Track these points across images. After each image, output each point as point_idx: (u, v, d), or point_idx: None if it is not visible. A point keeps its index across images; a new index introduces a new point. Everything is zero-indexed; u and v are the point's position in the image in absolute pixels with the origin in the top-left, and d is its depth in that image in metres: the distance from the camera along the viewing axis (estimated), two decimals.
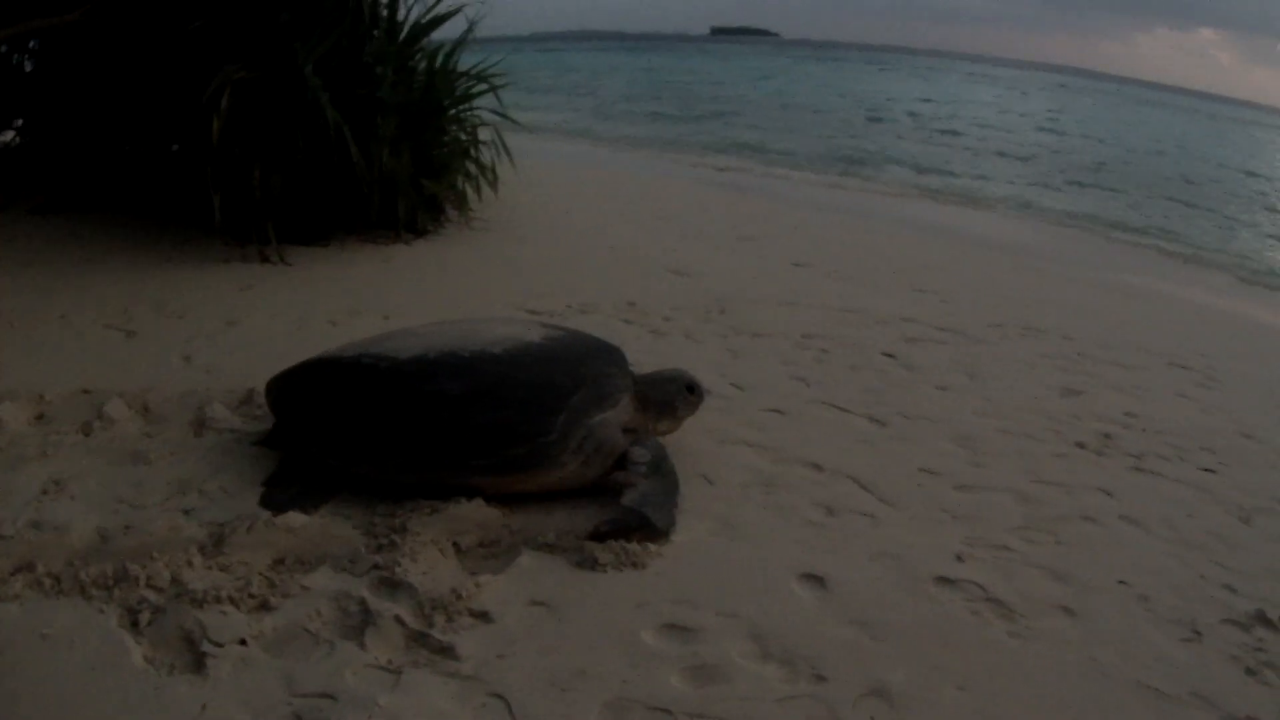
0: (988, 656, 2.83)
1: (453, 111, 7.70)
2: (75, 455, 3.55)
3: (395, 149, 6.81)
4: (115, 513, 3.18)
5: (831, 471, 3.93)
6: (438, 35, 7.63)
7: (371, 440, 3.37)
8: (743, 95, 35.44)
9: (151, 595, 2.74)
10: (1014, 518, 3.72)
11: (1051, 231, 13.30)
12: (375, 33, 7.09)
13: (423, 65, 7.49)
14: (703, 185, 13.14)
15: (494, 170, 8.13)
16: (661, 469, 3.45)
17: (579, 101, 29.41)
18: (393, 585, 2.85)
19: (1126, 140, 32.86)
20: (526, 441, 3.32)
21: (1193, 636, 3.08)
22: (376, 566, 2.93)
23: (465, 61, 7.88)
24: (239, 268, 6.14)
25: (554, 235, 8.07)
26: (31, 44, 7.37)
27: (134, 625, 2.63)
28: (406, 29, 7.39)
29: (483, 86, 7.97)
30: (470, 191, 7.92)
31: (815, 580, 3.12)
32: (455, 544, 3.11)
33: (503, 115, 8.16)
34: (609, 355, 3.78)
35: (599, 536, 3.13)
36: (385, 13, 7.23)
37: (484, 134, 8.07)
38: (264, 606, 2.74)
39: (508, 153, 8.20)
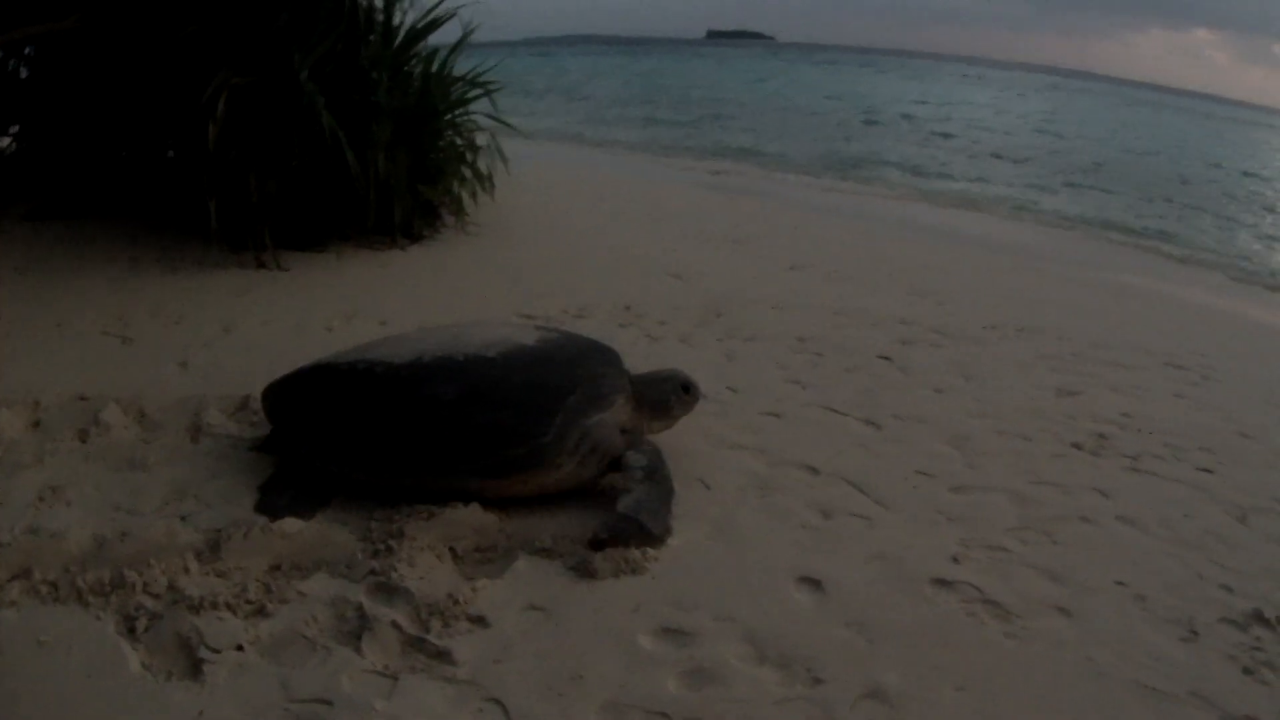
0: (985, 657, 2.83)
1: (448, 116, 7.69)
2: (72, 461, 3.55)
3: (391, 154, 6.80)
4: (112, 519, 3.18)
5: (827, 474, 3.93)
6: (433, 40, 7.64)
7: (368, 445, 3.38)
8: (738, 98, 35.42)
9: (148, 601, 2.74)
10: (1010, 519, 3.72)
11: (1047, 232, 13.30)
12: (371, 38, 7.10)
13: (418, 70, 7.49)
14: (698, 189, 13.13)
15: (490, 175, 8.13)
16: (657, 474, 3.46)
17: (574, 105, 29.39)
18: (389, 590, 2.85)
19: (1122, 141, 32.89)
20: (523, 443, 3.33)
21: (1190, 636, 3.08)
22: (373, 572, 2.93)
23: (460, 66, 7.89)
24: (235, 273, 6.14)
25: (550, 240, 8.07)
26: (27, 50, 7.36)
27: (131, 631, 2.64)
28: (402, 34, 7.39)
29: (478, 91, 7.97)
30: (466, 196, 7.91)
31: (812, 583, 3.13)
32: (452, 549, 3.12)
33: (498, 120, 8.17)
34: (604, 356, 3.78)
35: (597, 545, 3.12)
36: (381, 18, 7.23)
37: (480, 139, 8.07)
38: (261, 612, 2.75)
39: (503, 157, 8.20)
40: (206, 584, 2.83)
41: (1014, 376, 5.51)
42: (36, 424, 3.83)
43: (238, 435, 3.83)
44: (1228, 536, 3.80)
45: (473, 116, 8.05)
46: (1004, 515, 3.75)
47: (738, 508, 3.58)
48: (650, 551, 3.15)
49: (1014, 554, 3.45)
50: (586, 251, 7.75)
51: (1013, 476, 4.11)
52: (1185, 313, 8.50)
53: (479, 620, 2.77)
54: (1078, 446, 4.56)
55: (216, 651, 2.56)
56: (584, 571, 3.04)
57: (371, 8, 7.14)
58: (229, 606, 2.74)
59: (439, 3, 7.52)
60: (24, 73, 7.50)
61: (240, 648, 2.59)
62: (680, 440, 3.90)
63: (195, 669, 2.52)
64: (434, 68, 7.54)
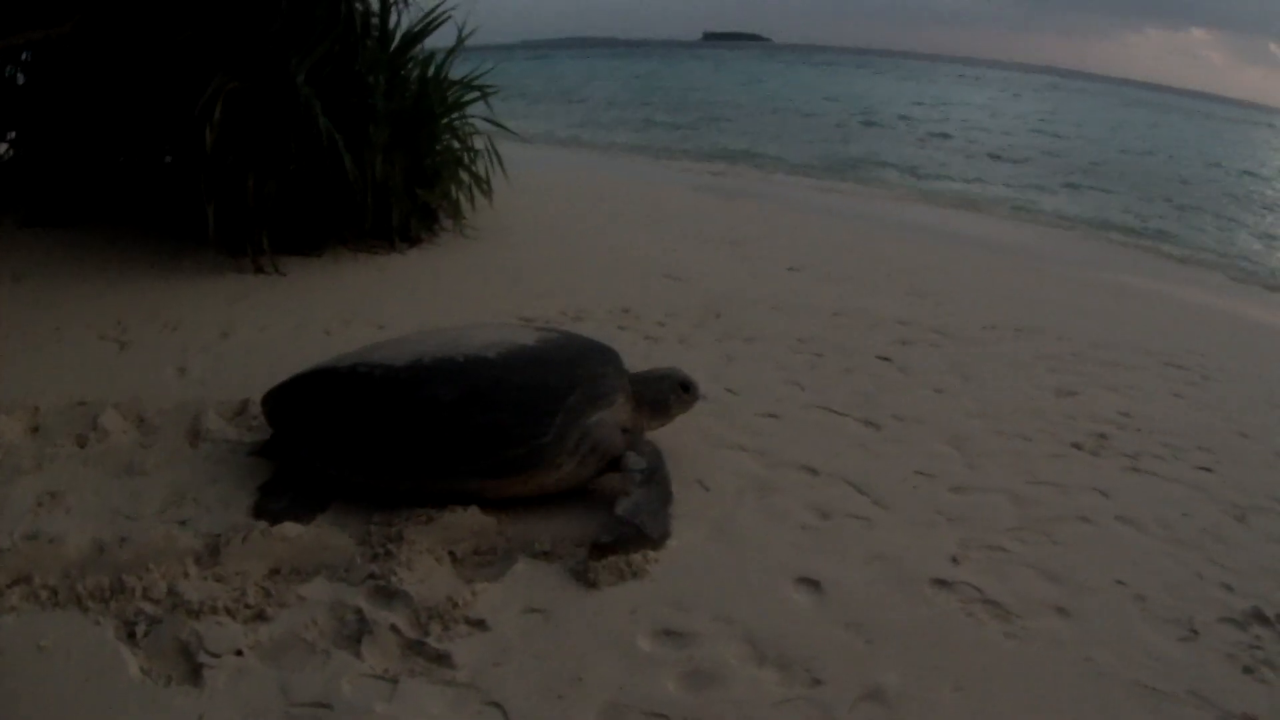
0: (983, 658, 2.84)
1: (445, 120, 7.69)
2: (71, 467, 3.55)
3: (388, 157, 6.80)
4: (111, 524, 3.18)
5: (826, 475, 3.93)
6: (429, 43, 7.63)
7: (368, 447, 3.38)
8: (736, 100, 35.42)
9: (148, 606, 2.74)
10: (1009, 519, 3.72)
11: (1045, 233, 13.30)
12: (367, 41, 7.09)
13: (415, 73, 7.49)
14: (696, 190, 13.13)
15: (487, 178, 8.13)
16: (656, 477, 3.46)
17: (571, 108, 29.35)
18: (388, 594, 2.85)
19: (1119, 141, 32.89)
20: (523, 443, 3.33)
21: (1189, 635, 3.08)
22: (372, 575, 2.93)
23: (457, 69, 7.88)
24: (233, 278, 6.14)
25: (548, 242, 8.06)
26: (24, 56, 7.36)
27: (131, 636, 2.64)
28: (398, 37, 7.39)
29: (474, 94, 7.97)
30: (464, 200, 7.91)
31: (811, 584, 3.13)
32: (451, 552, 3.12)
33: (495, 123, 8.17)
34: (603, 355, 3.79)
35: (599, 551, 3.12)
36: (376, 21, 7.24)
37: (477, 142, 8.07)
38: (260, 616, 2.75)
39: (500, 161, 8.20)
40: (206, 589, 2.83)
41: (1013, 377, 5.52)
42: (35, 429, 3.83)
43: (236, 440, 3.83)
44: (1227, 536, 3.81)
45: (470, 120, 8.04)
46: (1003, 515, 3.75)
47: (737, 509, 3.58)
48: (650, 554, 3.15)
49: (1013, 554, 3.45)
50: (585, 254, 7.75)
51: (1012, 477, 4.11)
52: (1184, 312, 8.50)
53: (478, 623, 2.77)
54: (1077, 446, 4.56)
55: (216, 656, 2.57)
56: (586, 582, 3.02)
57: (368, 11, 7.14)
58: (228, 611, 2.74)
59: (435, 6, 7.54)
60: (21, 78, 7.50)
61: (240, 652, 2.59)
62: (679, 442, 3.90)
63: (195, 674, 2.52)
64: (430, 71, 7.54)
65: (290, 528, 3.14)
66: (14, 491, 3.33)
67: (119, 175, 7.37)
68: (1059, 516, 3.79)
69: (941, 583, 3.21)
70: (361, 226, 6.88)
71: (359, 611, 2.77)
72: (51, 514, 3.23)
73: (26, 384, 4.20)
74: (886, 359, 5.57)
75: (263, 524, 3.17)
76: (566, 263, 7.35)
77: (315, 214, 6.71)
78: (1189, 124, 51.07)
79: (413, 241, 7.33)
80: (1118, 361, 6.05)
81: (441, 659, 2.62)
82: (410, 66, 7.50)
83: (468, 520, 3.23)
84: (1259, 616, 3.20)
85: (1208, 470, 4.47)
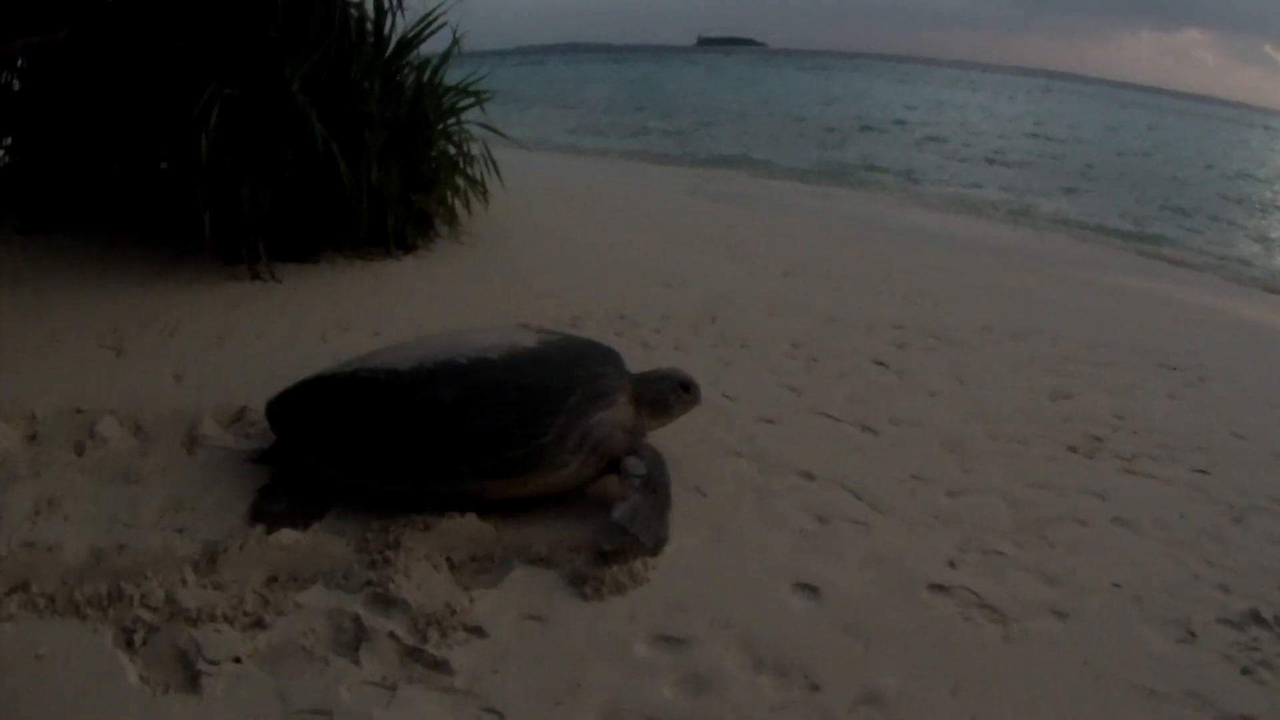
0: (981, 661, 2.84)
1: (441, 126, 7.69)
2: (68, 474, 3.55)
3: (383, 164, 6.80)
4: (109, 531, 3.18)
5: (823, 480, 3.94)
6: (423, 49, 7.64)
7: (369, 449, 3.38)
8: (730, 105, 35.48)
9: (146, 614, 2.74)
10: (1006, 522, 3.73)
11: (1041, 235, 13.34)
12: (362, 47, 7.09)
13: (410, 79, 7.49)
14: (691, 195, 13.15)
15: (483, 184, 8.13)
16: (655, 483, 3.45)
17: (566, 114, 29.38)
18: (386, 601, 2.85)
19: (1115, 143, 33.02)
20: (524, 443, 3.33)
21: (1187, 637, 3.09)
22: (370, 583, 2.93)
23: (452, 75, 7.87)
24: (229, 285, 6.13)
25: (543, 249, 8.06)
26: (20, 62, 7.36)
27: (129, 644, 2.64)
28: (393, 43, 7.39)
29: (470, 100, 7.97)
30: (459, 206, 7.91)
31: (808, 589, 3.13)
32: (448, 559, 3.12)
33: (490, 129, 8.17)
34: (604, 356, 3.80)
35: (599, 559, 3.11)
36: (371, 27, 7.24)
37: (472, 148, 8.06)
38: (258, 624, 2.75)
39: (495, 167, 8.20)
40: (204, 596, 2.83)
41: (1009, 379, 5.53)
42: (33, 437, 3.83)
43: (233, 447, 3.82)
44: (1224, 537, 3.82)
45: (465, 125, 8.04)
46: (1000, 519, 3.76)
47: (734, 514, 3.59)
48: (648, 560, 3.15)
49: (1010, 557, 3.46)
50: (580, 260, 7.75)
51: (1008, 480, 4.12)
52: (1180, 314, 8.53)
53: (476, 630, 2.78)
54: (1073, 449, 4.58)
55: (214, 663, 2.57)
56: (584, 594, 3.02)
57: (362, 17, 7.14)
58: (226, 618, 2.74)
59: (430, 12, 7.54)
60: (17, 85, 7.50)
61: (238, 659, 2.59)
62: (676, 447, 3.90)
63: (193, 681, 2.52)
64: (425, 77, 7.54)
65: (288, 535, 3.14)
66: (11, 499, 3.32)
67: (115, 182, 7.36)
68: (1055, 519, 3.80)
69: (939, 587, 3.22)
70: (357, 233, 6.87)
71: (357, 619, 2.77)
72: (49, 521, 3.22)
73: (24, 391, 4.19)
74: (882, 363, 5.58)
75: (260, 531, 3.17)
76: (562, 268, 7.36)
77: (311, 221, 6.71)
78: (1185, 126, 51.25)
79: (409, 248, 7.33)
80: (1114, 363, 6.07)
81: (440, 666, 2.62)
82: (405, 72, 7.50)
83: (465, 527, 3.23)
84: (1256, 618, 3.21)
85: (1204, 472, 4.48)
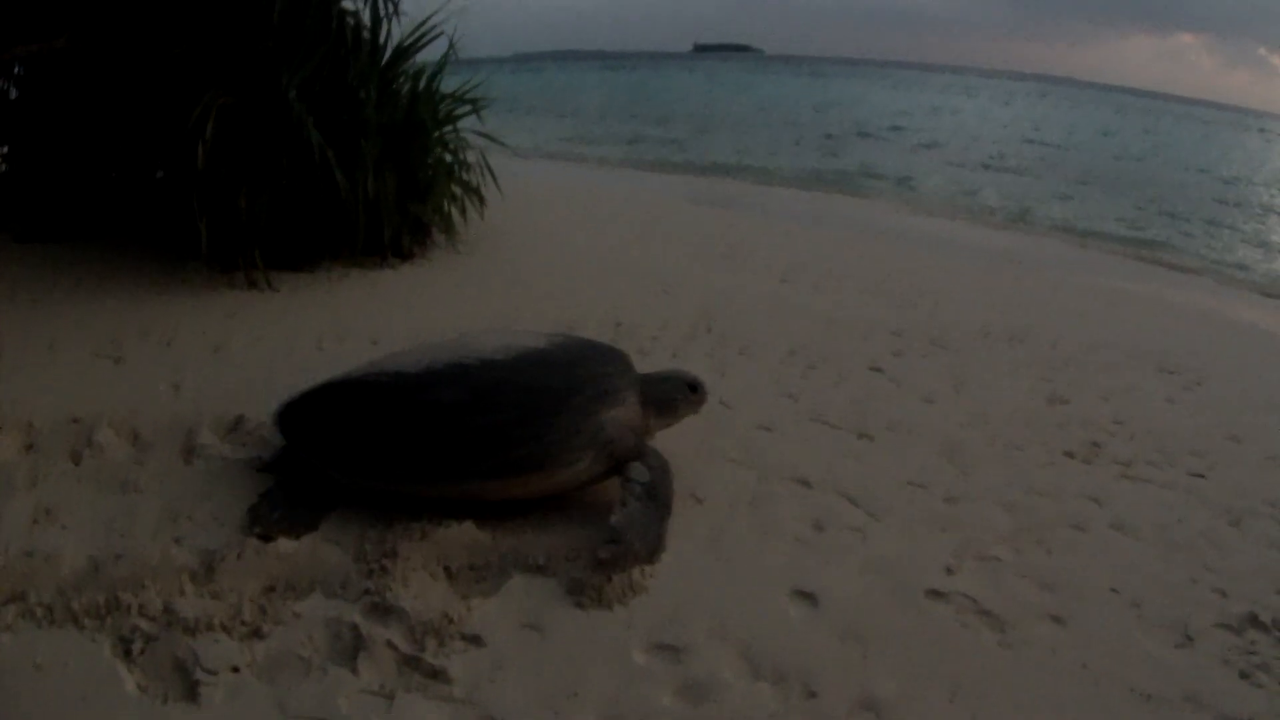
0: (979, 667, 2.85)
1: (437, 133, 7.69)
2: (65, 484, 3.54)
3: (380, 172, 6.79)
4: (106, 541, 3.17)
5: (820, 487, 3.94)
6: (420, 57, 7.64)
7: (380, 452, 3.39)
8: (726, 111, 35.55)
9: (144, 624, 2.74)
10: (1003, 528, 3.74)
11: (1036, 240, 13.35)
12: (358, 55, 7.09)
13: (406, 87, 7.49)
14: (688, 202, 13.15)
15: (479, 192, 8.13)
16: (657, 491, 3.44)
17: (562, 121, 29.42)
18: (384, 610, 2.85)
19: (1109, 147, 33.08)
20: (531, 442, 3.33)
21: (1185, 641, 3.10)
22: (368, 591, 2.93)
23: (448, 83, 7.87)
24: (226, 294, 6.13)
25: (539, 256, 8.06)
26: (17, 70, 7.36)
27: (127, 654, 2.63)
28: (389, 51, 7.39)
29: (466, 107, 7.97)
30: (456, 214, 7.91)
31: (805, 596, 3.13)
32: (446, 567, 3.12)
33: (487, 136, 8.17)
34: (612, 356, 3.81)
35: (597, 568, 3.12)
36: (368, 35, 7.23)
37: (469, 156, 8.06)
38: (256, 633, 2.75)
39: (492, 174, 8.20)
40: (202, 605, 2.82)
41: (1006, 385, 5.54)
42: (30, 446, 3.82)
43: (230, 456, 3.82)
44: (1221, 541, 3.83)
45: (461, 133, 8.04)
46: (997, 524, 3.77)
47: (731, 521, 3.59)
48: (646, 569, 3.15)
49: (1007, 563, 3.46)
50: (576, 267, 7.76)
51: (1005, 485, 4.13)
52: (1177, 317, 8.54)
53: (474, 638, 2.78)
54: (1070, 454, 4.59)
55: (212, 673, 2.56)
56: (587, 602, 3.02)
57: (358, 26, 7.14)
58: (224, 628, 2.74)
59: (426, 20, 7.54)
60: (14, 93, 7.50)
61: (236, 669, 2.59)
62: (673, 453, 3.88)
63: (191, 691, 2.52)
64: (422, 84, 7.54)
65: (285, 544, 3.14)
66: (9, 508, 3.32)
67: (112, 191, 7.37)
68: (1053, 524, 3.80)
69: (936, 593, 3.22)
70: (354, 242, 6.87)
71: (355, 627, 2.77)
72: (47, 531, 3.22)
73: (21, 400, 4.19)
74: (879, 369, 5.59)
75: (257, 541, 3.17)
76: (559, 276, 7.36)
77: (307, 229, 6.71)
78: (1180, 130, 51.34)
79: (405, 256, 7.33)
80: (1111, 367, 6.08)
81: (437, 674, 2.62)
82: (401, 80, 7.50)
83: (462, 535, 3.23)
84: (1254, 621, 3.22)
85: (1201, 476, 4.49)
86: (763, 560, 3.34)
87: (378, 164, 6.76)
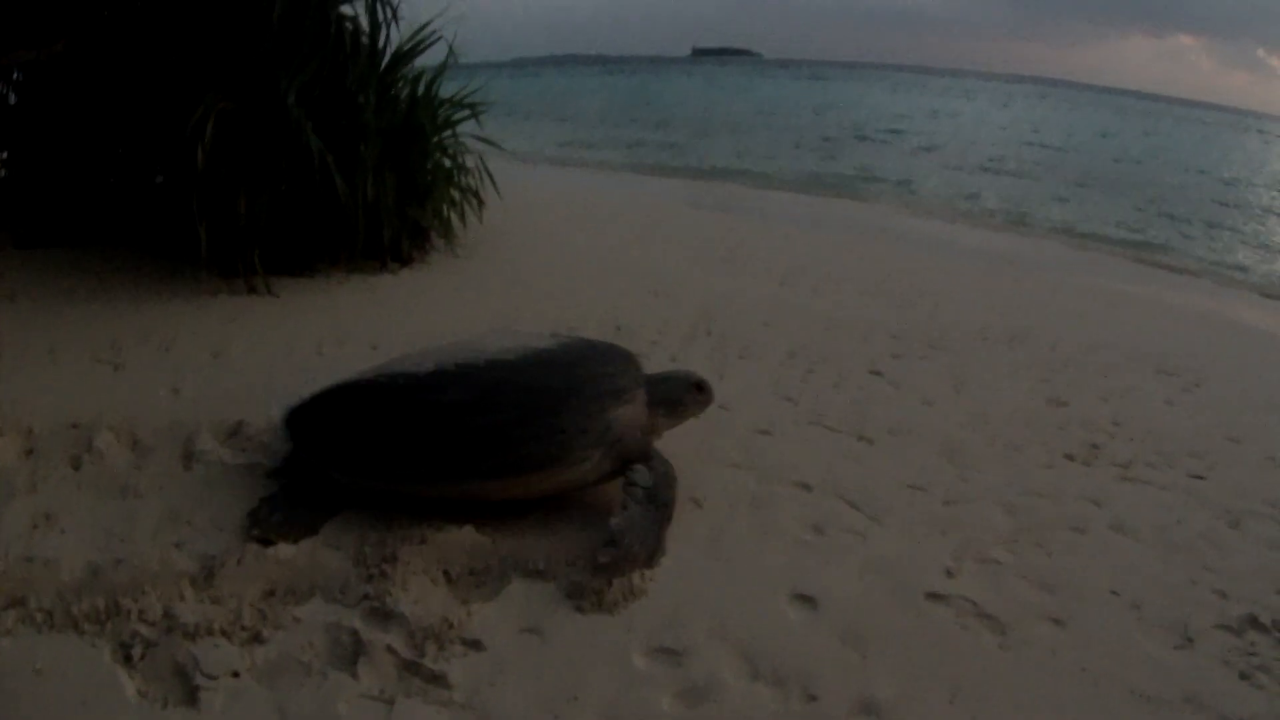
0: (979, 669, 2.84)
1: (436, 138, 7.69)
2: (65, 489, 3.54)
3: (379, 176, 6.79)
4: (106, 546, 3.17)
5: (820, 490, 3.94)
6: (418, 62, 7.63)
7: (390, 453, 3.40)
8: (725, 115, 35.55)
9: (143, 629, 2.74)
10: (1002, 530, 3.74)
11: (1036, 242, 13.37)
12: (357, 60, 7.09)
13: (405, 92, 7.49)
14: (687, 206, 13.17)
15: (478, 196, 8.13)
16: (658, 495, 3.44)
17: (561, 125, 29.44)
18: (384, 615, 2.85)
19: (1108, 150, 33.06)
20: (540, 440, 3.35)
21: (1185, 642, 3.10)
22: (367, 596, 2.93)
23: (447, 87, 7.87)
24: (225, 299, 6.13)
25: (539, 260, 8.06)
26: (16, 76, 7.36)
27: (127, 659, 2.63)
28: (388, 56, 7.39)
29: (465, 112, 7.97)
30: (455, 218, 7.91)
31: (805, 599, 3.13)
32: (445, 572, 3.12)
33: (486, 141, 8.17)
34: (620, 355, 3.82)
35: (596, 572, 3.11)
36: (366, 40, 7.24)
37: (467, 160, 8.07)
38: (256, 638, 2.75)
39: (491, 179, 8.20)
40: (201, 611, 2.82)
41: (1006, 386, 5.54)
42: (29, 451, 3.82)
43: (230, 461, 3.81)
44: (1221, 542, 3.83)
45: (460, 138, 8.04)
46: (997, 526, 3.77)
47: (730, 525, 3.59)
48: (645, 573, 3.16)
49: (1007, 565, 3.46)
50: (575, 271, 7.76)
51: (1005, 487, 4.13)
52: (1176, 319, 8.54)
53: (474, 643, 2.78)
54: (1070, 456, 4.59)
55: (212, 678, 2.56)
56: (587, 606, 3.02)
57: (357, 31, 7.15)
58: (224, 633, 2.74)
59: (425, 25, 7.55)
60: (12, 98, 7.50)
61: (236, 674, 2.59)
62: (672, 457, 3.87)
63: (191, 696, 2.52)
64: (420, 89, 7.54)
65: (285, 549, 3.14)
66: (9, 514, 3.32)
67: (111, 196, 7.37)
68: (1052, 526, 3.80)
69: (936, 595, 3.22)
70: (353, 246, 6.87)
71: (354, 632, 2.77)
72: (46, 536, 3.22)
73: (21, 405, 4.18)
74: (878, 372, 5.59)
75: (256, 545, 3.17)
76: (558, 280, 7.36)
77: (307, 234, 6.71)
78: (1180, 131, 51.38)
79: (404, 260, 7.33)
80: (1110, 369, 6.09)
81: (437, 679, 2.62)
82: (400, 85, 7.50)
83: (462, 539, 3.23)
84: (1254, 622, 3.22)
85: (1201, 477, 4.49)
86: (762, 563, 3.34)
87: (377, 168, 6.77)
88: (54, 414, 4.10)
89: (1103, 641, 3.05)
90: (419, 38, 7.51)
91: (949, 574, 3.36)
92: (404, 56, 7.48)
